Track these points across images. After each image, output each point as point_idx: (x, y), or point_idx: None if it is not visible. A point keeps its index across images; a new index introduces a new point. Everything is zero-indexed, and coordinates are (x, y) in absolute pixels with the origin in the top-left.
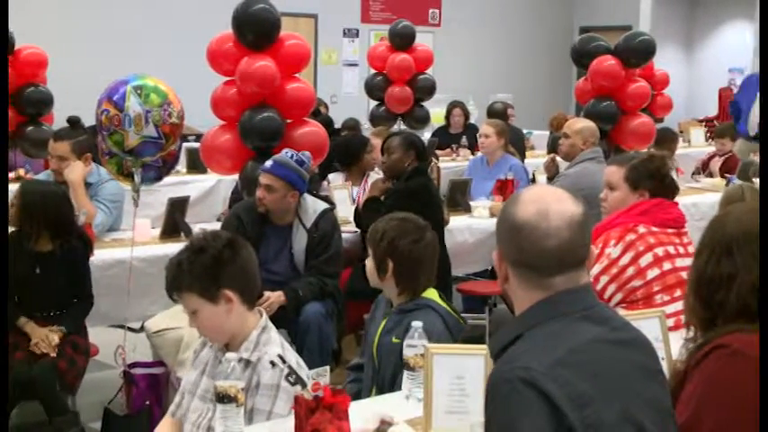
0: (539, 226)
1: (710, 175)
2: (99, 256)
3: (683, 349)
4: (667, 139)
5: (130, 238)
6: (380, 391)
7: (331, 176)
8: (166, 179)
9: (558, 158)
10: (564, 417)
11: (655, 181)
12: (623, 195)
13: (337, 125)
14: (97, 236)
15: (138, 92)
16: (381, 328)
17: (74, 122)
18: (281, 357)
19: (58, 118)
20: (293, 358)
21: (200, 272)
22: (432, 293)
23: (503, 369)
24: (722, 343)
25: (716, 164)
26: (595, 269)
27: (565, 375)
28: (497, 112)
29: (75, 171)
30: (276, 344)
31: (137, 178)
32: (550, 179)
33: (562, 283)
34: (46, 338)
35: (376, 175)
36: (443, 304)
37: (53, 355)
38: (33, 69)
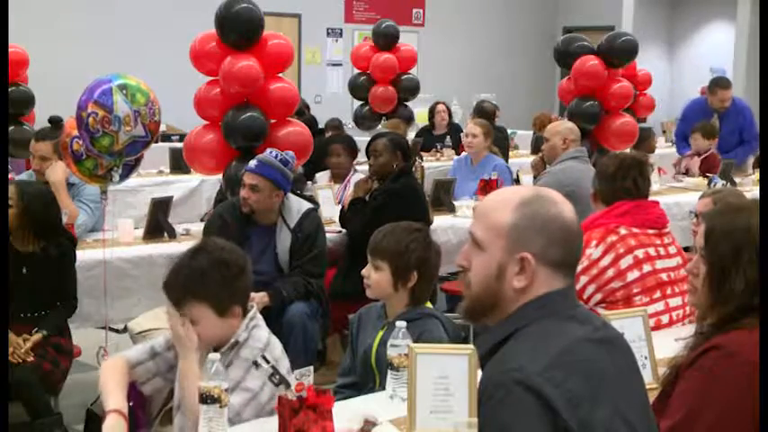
0: (578, 226)
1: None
2: (81, 256)
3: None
4: (644, 138)
5: (113, 238)
6: None
7: (318, 175)
8: (150, 179)
9: None
10: (560, 417)
11: (600, 179)
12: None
13: (321, 125)
14: (79, 236)
15: (124, 92)
16: (378, 340)
17: (55, 122)
18: (264, 358)
19: (40, 118)
20: (278, 347)
21: (221, 285)
22: (428, 302)
23: (497, 370)
24: (718, 344)
25: (696, 163)
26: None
27: (559, 376)
28: (486, 112)
29: (57, 171)
30: (264, 328)
31: (115, 177)
32: (536, 177)
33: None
34: (18, 346)
35: (360, 174)
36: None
37: (30, 360)
38: (14, 69)
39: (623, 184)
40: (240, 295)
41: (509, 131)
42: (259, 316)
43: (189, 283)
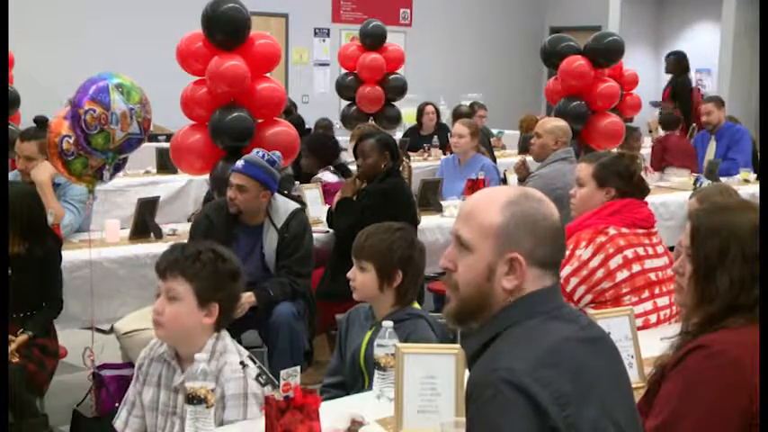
0: (562, 225)
1: None
2: (67, 257)
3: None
4: (630, 137)
5: (100, 238)
6: None
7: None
8: (136, 179)
9: (529, 159)
10: (548, 417)
11: (622, 179)
12: (590, 192)
13: (309, 125)
14: (65, 236)
15: (120, 90)
16: (366, 340)
17: (41, 122)
18: (251, 358)
19: (25, 117)
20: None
21: (211, 273)
22: (415, 303)
23: (485, 370)
24: (703, 343)
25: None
26: (566, 271)
27: (547, 375)
28: (464, 115)
29: (43, 171)
30: (233, 352)
31: (106, 176)
32: (521, 180)
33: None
34: None
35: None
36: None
37: (15, 361)
38: None
39: (641, 182)
40: (224, 296)
41: (496, 132)
42: (225, 333)
43: (181, 259)
